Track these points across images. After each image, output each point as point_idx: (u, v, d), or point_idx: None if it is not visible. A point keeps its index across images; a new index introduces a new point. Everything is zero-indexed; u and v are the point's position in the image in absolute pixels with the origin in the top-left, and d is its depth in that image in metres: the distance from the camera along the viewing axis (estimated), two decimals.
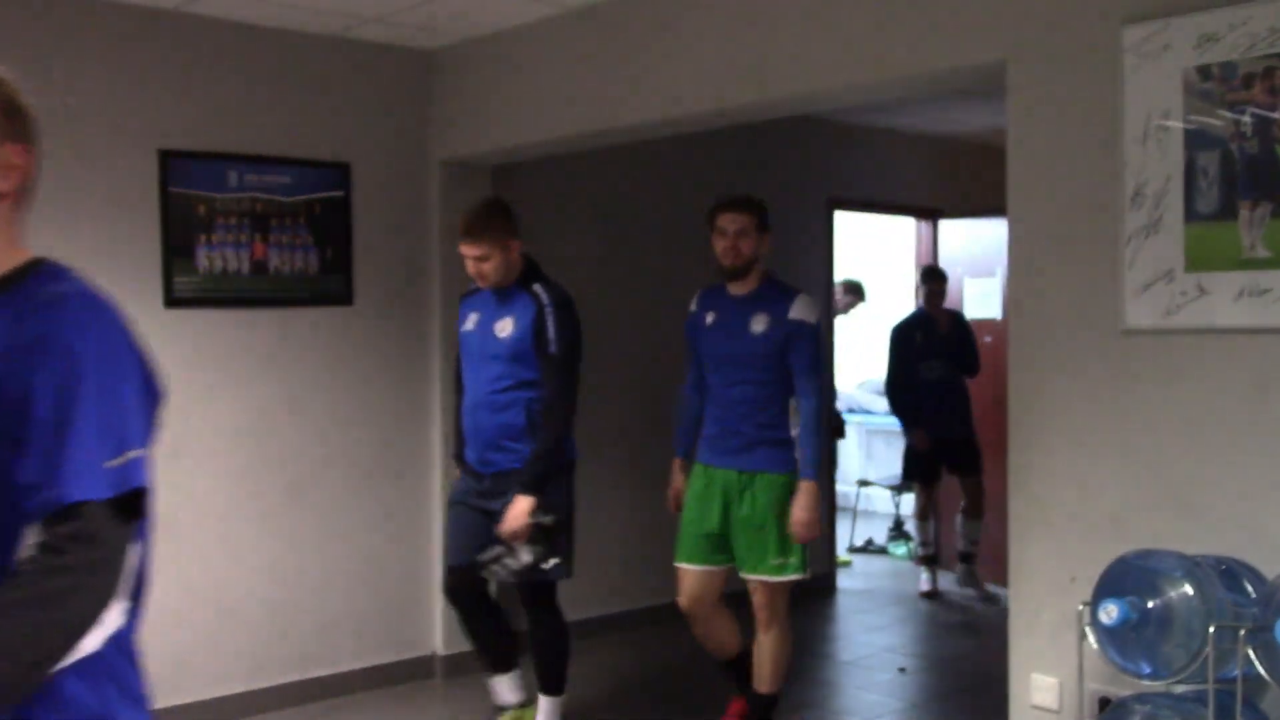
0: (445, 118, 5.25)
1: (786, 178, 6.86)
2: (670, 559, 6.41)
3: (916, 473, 6.94)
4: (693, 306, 4.36)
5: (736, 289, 4.18)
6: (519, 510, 4.04)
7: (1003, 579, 6.56)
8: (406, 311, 5.27)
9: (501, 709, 4.50)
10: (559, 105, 4.71)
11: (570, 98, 4.66)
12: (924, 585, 6.92)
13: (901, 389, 6.91)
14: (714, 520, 4.22)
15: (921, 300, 7.03)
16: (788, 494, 4.09)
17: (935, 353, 6.74)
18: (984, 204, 7.20)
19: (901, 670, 5.43)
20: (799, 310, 4.07)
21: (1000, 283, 6.83)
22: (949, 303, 6.99)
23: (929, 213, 7.70)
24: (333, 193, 5.03)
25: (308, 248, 4.96)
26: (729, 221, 4.09)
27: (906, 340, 6.87)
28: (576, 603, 5.94)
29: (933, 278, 6.96)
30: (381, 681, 5.16)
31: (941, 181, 7.73)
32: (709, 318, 4.23)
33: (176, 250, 4.64)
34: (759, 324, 4.08)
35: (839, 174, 7.15)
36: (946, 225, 7.61)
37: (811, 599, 6.80)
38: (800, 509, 4.05)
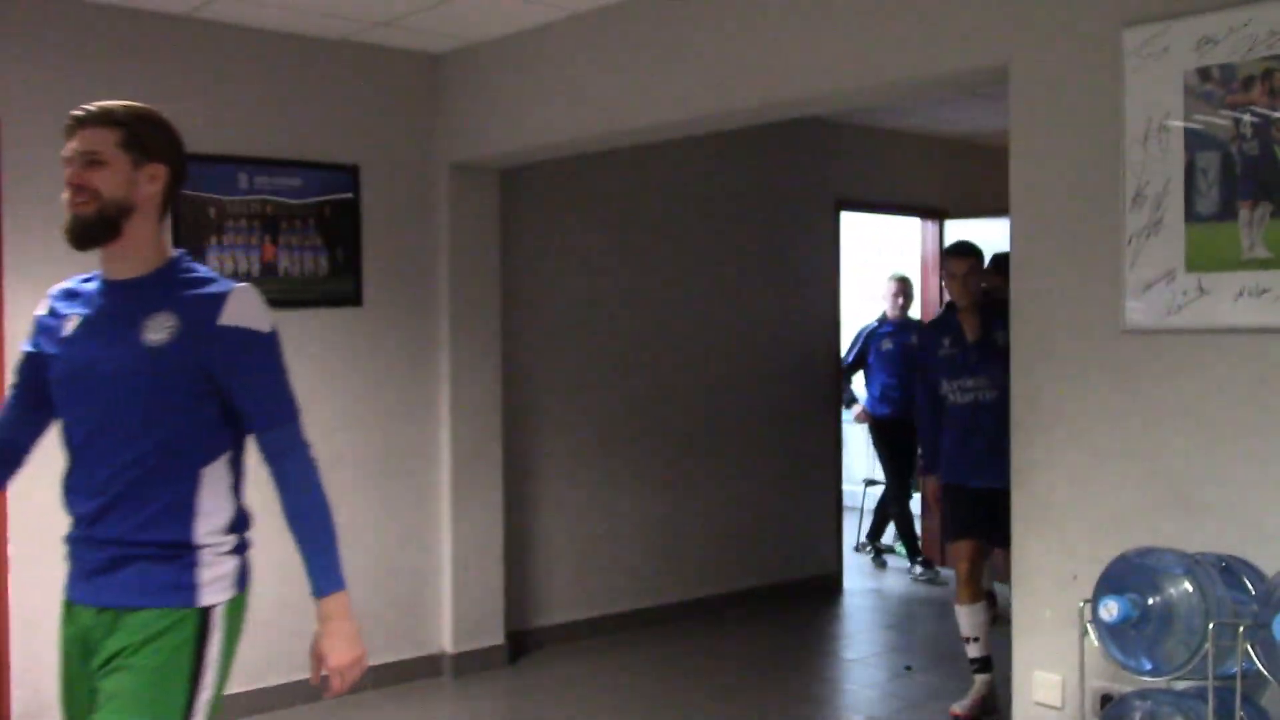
0: (453, 121, 5.29)
1: (794, 179, 6.90)
2: (671, 559, 6.47)
3: (964, 529, 4.86)
4: (40, 308, 2.46)
5: (116, 269, 2.36)
6: None
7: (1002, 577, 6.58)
8: (415, 313, 5.31)
9: None
10: (566, 108, 4.75)
11: (577, 101, 4.70)
12: (963, 707, 4.74)
13: (922, 413, 5.16)
14: (84, 698, 2.34)
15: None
16: (185, 648, 2.29)
17: (966, 368, 4.82)
18: (990, 205, 7.22)
19: (908, 668, 5.46)
20: (236, 311, 2.32)
21: None
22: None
23: (935, 214, 7.72)
24: (342, 195, 5.08)
25: (317, 250, 5.01)
26: (76, 141, 2.35)
27: (928, 347, 5.06)
28: (579, 602, 6.00)
29: (958, 257, 4.93)
30: (391, 679, 5.20)
31: (948, 183, 7.76)
32: (69, 324, 2.37)
33: (187, 252, 4.67)
34: (157, 330, 2.29)
35: (846, 175, 7.18)
36: (953, 226, 7.63)
37: (818, 598, 6.83)
38: (333, 646, 2.43)
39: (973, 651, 4.79)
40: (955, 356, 4.89)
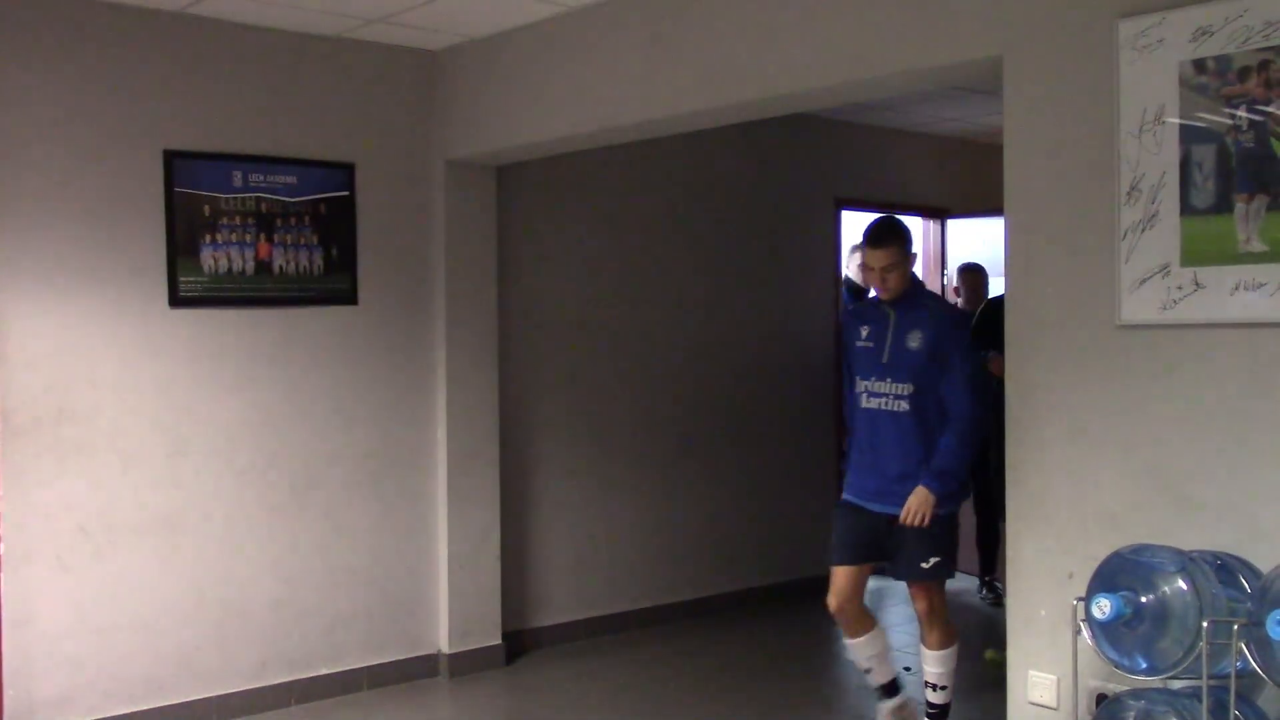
0: (449, 118, 5.26)
1: (794, 177, 6.86)
2: (669, 559, 6.44)
3: (849, 554, 4.24)
4: None
5: None
6: None
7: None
8: (411, 311, 5.28)
9: None
10: (562, 105, 4.72)
11: (574, 97, 4.67)
12: None
13: (846, 407, 4.58)
14: None
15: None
16: None
17: (877, 368, 4.16)
18: (992, 203, 7.16)
19: (906, 669, 5.41)
20: None
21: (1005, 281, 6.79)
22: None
23: (937, 212, 7.69)
24: (337, 193, 5.06)
25: (312, 247, 4.99)
26: None
27: (848, 334, 4.41)
28: (576, 603, 5.98)
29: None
30: (387, 679, 5.18)
31: (950, 181, 7.72)
32: None
33: (181, 250, 4.66)
34: None
35: (846, 173, 7.15)
36: (955, 224, 7.61)
37: (817, 598, 6.79)
38: None
39: (875, 680, 4.40)
40: (871, 352, 4.18)
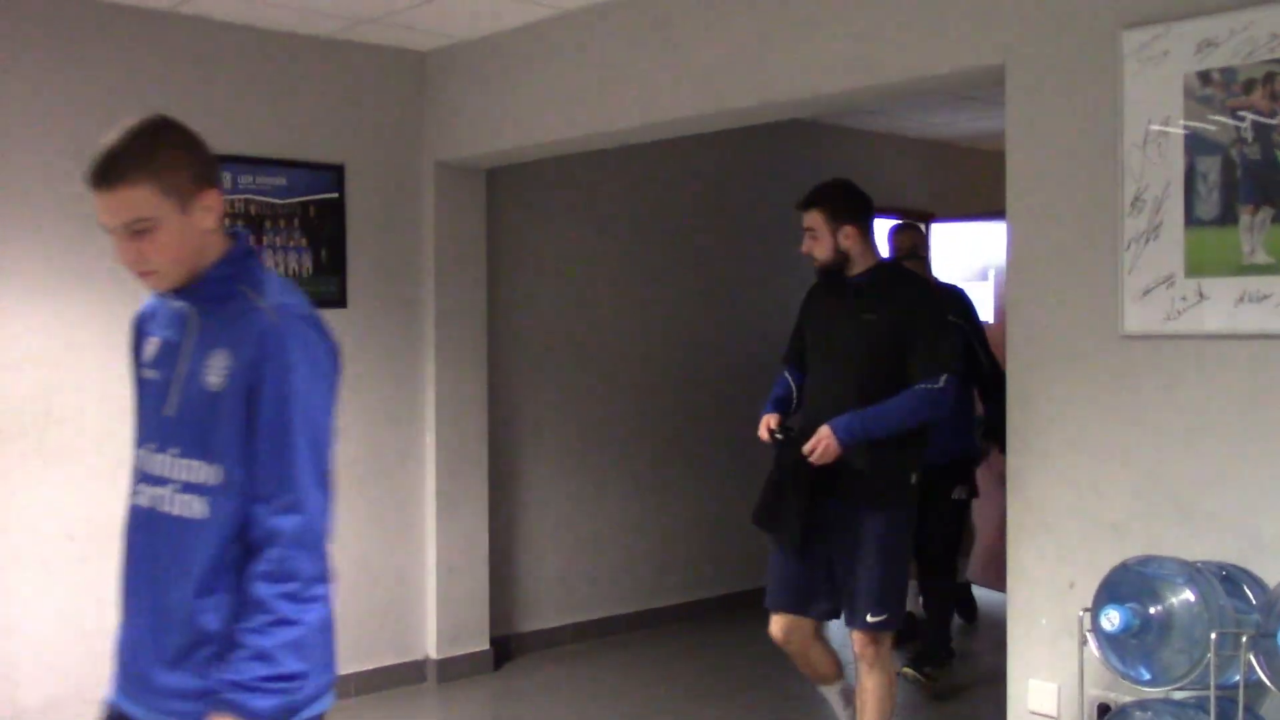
0: (440, 120, 5.23)
1: (780, 180, 6.86)
2: (658, 563, 6.43)
3: None
4: None
5: None
6: None
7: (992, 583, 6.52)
8: (400, 314, 5.24)
9: None
10: (553, 107, 4.70)
11: (565, 100, 4.64)
12: None
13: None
14: None
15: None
16: None
17: (156, 428, 2.13)
18: (976, 207, 7.21)
19: (899, 673, 5.42)
20: None
21: (993, 286, 6.82)
22: None
23: (921, 216, 7.69)
24: (327, 195, 5.01)
25: (301, 250, 4.94)
26: None
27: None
28: (565, 607, 5.95)
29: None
30: (375, 686, 5.14)
31: (933, 184, 7.74)
32: None
33: None
34: None
35: (831, 177, 7.12)
36: (939, 228, 7.62)
37: None
38: None
39: None
40: (154, 390, 2.11)
